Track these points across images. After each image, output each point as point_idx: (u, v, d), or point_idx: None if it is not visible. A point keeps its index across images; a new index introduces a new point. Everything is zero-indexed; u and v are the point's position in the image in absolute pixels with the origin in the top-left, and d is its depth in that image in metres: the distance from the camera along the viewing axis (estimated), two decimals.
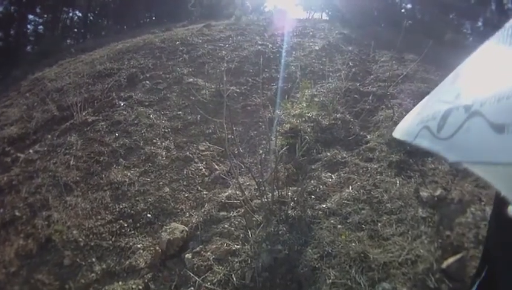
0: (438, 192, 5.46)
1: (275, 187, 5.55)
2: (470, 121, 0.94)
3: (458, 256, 4.36)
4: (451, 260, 4.36)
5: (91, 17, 33.92)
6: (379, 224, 5.04)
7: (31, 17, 31.03)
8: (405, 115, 6.72)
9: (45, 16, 31.94)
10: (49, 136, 9.54)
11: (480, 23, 24.26)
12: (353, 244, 4.69)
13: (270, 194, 5.50)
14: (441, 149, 1.07)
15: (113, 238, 6.17)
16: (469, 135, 0.93)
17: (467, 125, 0.94)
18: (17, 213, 7.08)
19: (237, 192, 6.08)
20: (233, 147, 7.02)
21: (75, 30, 33.89)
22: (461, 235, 4.65)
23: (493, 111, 0.85)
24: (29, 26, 31.34)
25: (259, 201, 5.69)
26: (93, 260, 5.85)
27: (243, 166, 6.65)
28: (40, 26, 32.17)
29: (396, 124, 7.10)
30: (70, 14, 33.77)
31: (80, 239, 6.20)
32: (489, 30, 23.65)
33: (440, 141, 1.08)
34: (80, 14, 33.37)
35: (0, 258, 6.21)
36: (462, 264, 4.27)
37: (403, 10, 22.28)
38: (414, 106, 6.83)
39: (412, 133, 1.33)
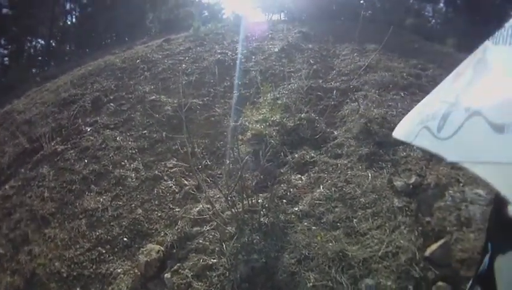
0: (413, 179, 5.48)
1: (244, 196, 5.52)
2: (470, 121, 0.94)
3: (441, 241, 4.37)
4: (434, 246, 4.36)
5: (53, 44, 33.78)
6: (354, 220, 5.04)
7: None
8: (371, 106, 6.75)
9: (9, 46, 31.81)
10: (22, 170, 9.54)
11: (442, 5, 24.38)
12: (330, 244, 4.69)
13: (240, 204, 5.49)
14: (441, 149, 1.06)
15: (93, 266, 6.16)
16: (469, 135, 0.94)
17: (467, 125, 0.95)
18: (1, 250, 7.12)
19: (208, 206, 6.02)
20: (199, 161, 6.99)
21: (39, 58, 33.72)
22: (442, 219, 4.66)
23: (493, 111, 0.86)
24: None
25: (231, 212, 5.64)
26: (78, 289, 5.83)
27: (209, 179, 6.64)
28: (6, 58, 32.07)
29: (362, 116, 7.14)
30: (34, 43, 33.71)
31: (63, 270, 6.20)
32: (451, 11, 23.93)
33: (440, 141, 1.07)
34: (43, 42, 33.27)
35: None
36: (446, 249, 4.27)
37: (361, 1, 22.28)
38: (380, 96, 6.88)
39: (411, 133, 1.32)
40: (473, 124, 0.92)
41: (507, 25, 1.04)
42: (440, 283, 4.02)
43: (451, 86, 1.27)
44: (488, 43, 1.15)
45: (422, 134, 1.24)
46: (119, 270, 5.90)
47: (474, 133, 0.91)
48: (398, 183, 5.51)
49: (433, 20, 24.35)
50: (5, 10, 29.88)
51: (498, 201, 1.28)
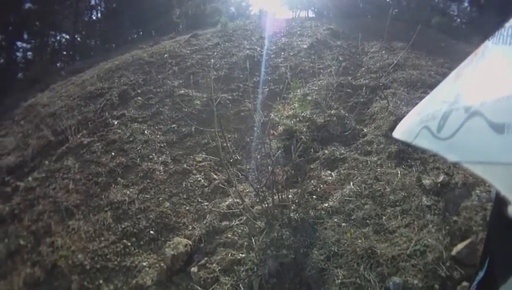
0: (441, 178, 5.45)
1: (274, 191, 5.46)
2: (470, 121, 0.94)
3: (467, 241, 4.36)
4: (460, 246, 4.35)
5: (78, 39, 33.99)
6: (384, 217, 5.00)
7: (19, 43, 31.13)
8: (400, 104, 6.66)
9: (33, 41, 32.02)
10: (46, 162, 9.48)
11: (466, 4, 24.37)
12: (359, 241, 4.65)
13: (270, 199, 5.43)
14: (441, 149, 1.06)
15: (118, 259, 6.09)
16: (469, 135, 0.94)
17: (467, 125, 0.95)
18: (21, 242, 7.05)
19: (237, 200, 6.00)
20: (229, 155, 6.97)
21: (64, 53, 33.99)
22: (468, 219, 4.65)
23: (493, 111, 0.87)
24: (18, 53, 31.45)
25: (260, 207, 5.61)
26: (101, 282, 5.79)
27: (240, 174, 6.61)
28: (29, 52, 32.33)
29: (391, 114, 7.05)
30: (58, 38, 33.99)
31: (86, 262, 6.12)
32: (475, 10, 23.86)
33: (440, 141, 1.07)
34: (68, 37, 33.52)
35: (9, 288, 6.18)
36: (472, 249, 4.25)
37: None
38: (408, 94, 6.79)
39: (412, 133, 1.32)
40: (473, 124, 0.93)
41: (507, 25, 1.06)
42: (465, 283, 4.02)
43: (451, 86, 1.28)
44: (488, 43, 1.16)
45: (422, 134, 1.26)
46: (144, 264, 5.83)
47: (474, 133, 0.92)
48: (427, 181, 5.49)
49: (458, 20, 24.34)
50: (28, 5, 30.23)
51: (498, 201, 1.31)
